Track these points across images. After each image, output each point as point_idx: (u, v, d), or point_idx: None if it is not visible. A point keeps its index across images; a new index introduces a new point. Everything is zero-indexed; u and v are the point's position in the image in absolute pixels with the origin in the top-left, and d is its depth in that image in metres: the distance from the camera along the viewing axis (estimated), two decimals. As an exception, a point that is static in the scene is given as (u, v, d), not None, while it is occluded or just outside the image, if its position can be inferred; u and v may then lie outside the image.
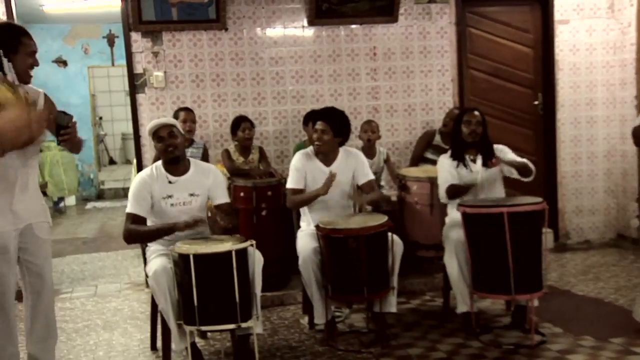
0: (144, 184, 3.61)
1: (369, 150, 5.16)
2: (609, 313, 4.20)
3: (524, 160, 4.05)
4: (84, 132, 10.77)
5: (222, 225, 3.52)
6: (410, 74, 5.68)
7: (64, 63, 10.74)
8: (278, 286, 4.72)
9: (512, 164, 4.01)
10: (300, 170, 4.08)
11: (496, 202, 3.75)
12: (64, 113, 2.97)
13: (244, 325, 3.28)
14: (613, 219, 6.08)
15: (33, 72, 3.05)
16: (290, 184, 4.08)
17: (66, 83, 10.76)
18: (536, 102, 5.99)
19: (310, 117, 4.95)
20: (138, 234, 3.55)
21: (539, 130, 6.03)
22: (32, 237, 3.07)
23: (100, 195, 11.17)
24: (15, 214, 2.97)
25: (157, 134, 3.61)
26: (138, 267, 5.83)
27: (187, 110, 5.01)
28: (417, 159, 5.44)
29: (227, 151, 5.07)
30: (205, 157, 4.98)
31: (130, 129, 5.63)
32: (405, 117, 5.70)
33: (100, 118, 12.61)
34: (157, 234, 3.55)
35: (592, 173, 6.04)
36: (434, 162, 5.08)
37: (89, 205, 10.48)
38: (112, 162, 13.04)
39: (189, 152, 4.52)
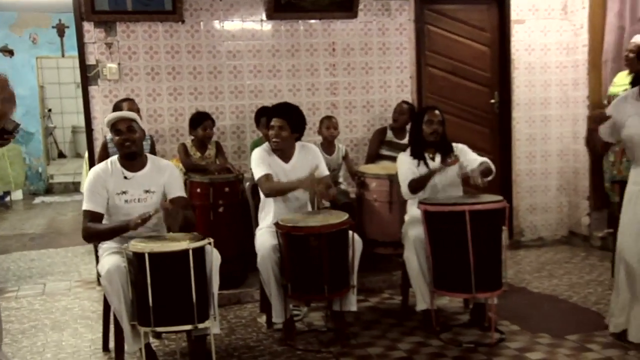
0: (99, 179, 3.49)
1: (328, 147, 5.12)
2: (564, 310, 4.26)
3: (485, 160, 4.04)
4: (32, 124, 10.47)
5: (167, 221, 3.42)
6: (369, 70, 5.66)
7: (10, 52, 10.36)
8: (235, 284, 4.63)
9: (476, 171, 3.87)
10: (264, 160, 3.98)
11: (457, 201, 3.75)
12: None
13: (200, 326, 3.19)
14: (565, 216, 6.20)
15: None
16: (260, 173, 3.93)
17: (13, 73, 10.31)
18: (492, 101, 6.04)
19: (262, 115, 4.86)
20: (96, 232, 3.45)
21: (495, 129, 6.08)
22: None
23: (49, 190, 10.85)
24: None
25: (115, 126, 3.49)
26: (89, 264, 5.65)
27: (130, 100, 4.80)
28: (373, 157, 5.41)
29: (184, 145, 4.93)
30: (152, 151, 4.82)
31: (81, 122, 5.45)
32: (364, 114, 5.68)
33: (49, 110, 12.25)
34: (112, 233, 3.45)
35: (545, 171, 6.14)
36: (389, 158, 5.09)
37: (37, 199, 10.16)
38: (61, 155, 12.71)
39: None
